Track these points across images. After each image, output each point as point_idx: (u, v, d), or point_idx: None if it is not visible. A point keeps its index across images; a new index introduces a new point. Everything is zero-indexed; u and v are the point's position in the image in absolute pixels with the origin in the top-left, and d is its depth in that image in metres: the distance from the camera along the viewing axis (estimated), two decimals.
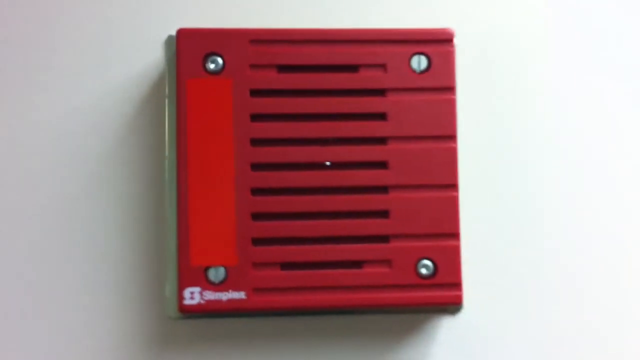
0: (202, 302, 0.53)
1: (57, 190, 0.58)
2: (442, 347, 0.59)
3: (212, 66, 0.55)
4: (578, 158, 0.62)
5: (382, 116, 0.56)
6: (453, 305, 0.57)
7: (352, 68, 0.56)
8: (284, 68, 0.56)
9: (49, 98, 0.59)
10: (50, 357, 0.57)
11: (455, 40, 0.57)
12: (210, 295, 0.53)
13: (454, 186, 0.56)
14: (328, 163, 0.55)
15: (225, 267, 0.54)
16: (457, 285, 0.55)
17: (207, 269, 0.54)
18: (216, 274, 0.54)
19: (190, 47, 0.55)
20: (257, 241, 0.54)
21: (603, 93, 0.62)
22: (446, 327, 0.60)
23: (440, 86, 0.57)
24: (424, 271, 0.55)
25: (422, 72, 0.57)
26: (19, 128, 0.58)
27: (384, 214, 0.55)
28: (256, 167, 0.55)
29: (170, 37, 0.56)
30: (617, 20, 0.63)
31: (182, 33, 0.55)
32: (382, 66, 0.56)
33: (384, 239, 0.55)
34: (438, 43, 0.57)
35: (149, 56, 0.60)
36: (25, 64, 0.59)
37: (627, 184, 0.62)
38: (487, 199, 0.61)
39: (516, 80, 0.62)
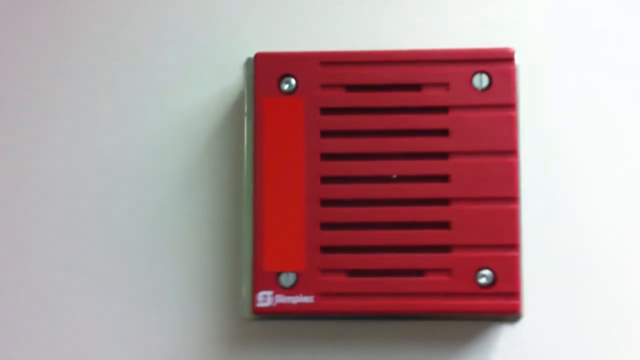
0: (273, 304, 0.57)
1: (146, 199, 0.64)
2: (501, 355, 0.61)
3: (286, 86, 0.60)
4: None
5: (444, 132, 0.59)
6: (511, 314, 0.59)
7: (416, 87, 0.59)
8: (351, 88, 0.60)
9: (139, 116, 0.65)
10: (132, 355, 0.62)
11: (519, 63, 0.59)
12: (282, 299, 0.58)
13: (514, 199, 0.58)
14: (394, 176, 0.59)
15: (296, 273, 0.58)
16: (515, 294, 0.58)
17: (279, 274, 0.58)
18: (287, 278, 0.58)
19: (266, 69, 0.59)
20: (325, 249, 0.58)
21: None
22: (506, 336, 0.62)
23: (501, 103, 0.59)
24: (483, 280, 0.58)
25: (484, 89, 0.59)
26: (112, 145, 0.64)
27: (445, 225, 0.58)
28: (325, 180, 0.59)
29: (249, 59, 0.61)
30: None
31: (259, 57, 0.60)
32: (445, 85, 0.59)
33: (445, 248, 0.58)
34: (499, 62, 0.59)
35: (230, 77, 0.64)
36: (114, 86, 0.65)
37: None
38: (550, 210, 0.62)
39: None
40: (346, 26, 0.64)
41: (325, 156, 0.59)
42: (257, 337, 0.61)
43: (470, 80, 0.59)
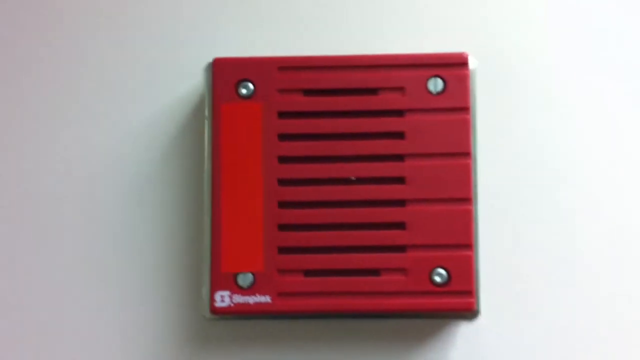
0: (231, 305, 0.59)
1: (107, 202, 0.65)
2: (460, 351, 0.63)
3: (244, 91, 0.61)
4: (589, 164, 0.64)
5: (400, 135, 0.61)
6: (467, 312, 0.60)
7: (372, 91, 0.61)
8: (309, 92, 0.61)
9: (101, 120, 0.66)
10: (94, 353, 0.63)
11: (477, 66, 0.61)
12: (239, 299, 0.59)
13: (468, 200, 0.60)
14: (353, 178, 0.60)
15: (253, 273, 0.59)
16: (470, 292, 0.59)
17: (236, 274, 0.59)
18: (244, 279, 0.59)
19: (224, 74, 0.61)
20: (282, 250, 0.60)
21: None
22: (464, 333, 0.63)
23: (455, 107, 0.61)
24: (438, 279, 0.59)
25: (439, 93, 0.61)
26: (72, 148, 0.65)
27: (401, 225, 0.60)
28: (283, 182, 0.60)
29: (209, 64, 0.62)
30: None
31: (217, 62, 0.61)
32: (401, 89, 0.61)
33: (400, 248, 0.60)
34: (453, 66, 0.61)
35: (192, 81, 0.66)
36: (75, 90, 0.66)
37: None
38: (506, 211, 0.64)
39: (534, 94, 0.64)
40: (304, 32, 0.65)
41: (283, 159, 0.60)
42: (217, 337, 0.63)
43: (426, 85, 0.61)
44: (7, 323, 0.63)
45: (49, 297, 0.64)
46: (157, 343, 0.63)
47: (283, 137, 0.60)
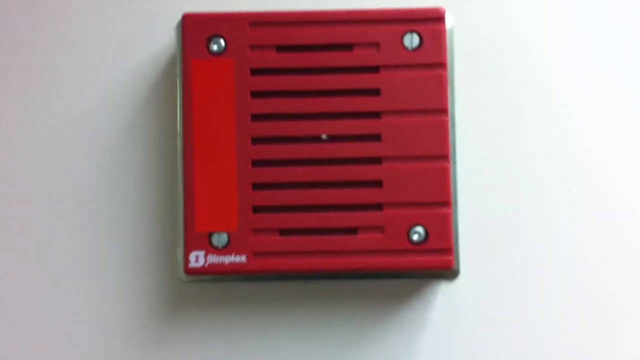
0: (206, 265, 0.58)
1: (80, 164, 0.63)
2: (439, 311, 0.62)
3: (215, 47, 0.59)
4: (569, 119, 0.64)
5: (375, 92, 0.60)
6: (445, 270, 0.59)
7: (347, 47, 0.60)
8: (282, 48, 0.60)
9: (73, 80, 0.64)
10: (71, 318, 0.62)
11: (454, 25, 0.60)
12: (214, 259, 0.58)
13: (445, 157, 0.59)
14: (324, 136, 0.59)
15: (228, 233, 0.58)
16: (448, 250, 0.59)
17: (210, 234, 0.58)
18: (219, 239, 0.58)
19: (194, 30, 0.59)
20: (257, 209, 0.59)
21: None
22: (443, 293, 0.62)
23: (431, 62, 0.60)
24: (415, 237, 0.59)
25: (414, 49, 0.60)
26: (45, 111, 0.64)
27: (377, 183, 0.59)
28: (256, 140, 0.59)
29: (180, 21, 0.61)
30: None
31: (186, 18, 0.60)
32: (376, 44, 0.60)
33: (377, 207, 0.59)
34: (429, 21, 0.60)
35: (163, 39, 0.64)
36: (46, 52, 0.64)
37: (626, 183, 0.63)
38: (485, 169, 0.63)
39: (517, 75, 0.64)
40: None
41: (256, 117, 0.59)
42: (192, 300, 0.62)
43: (401, 40, 0.60)
44: None
45: (25, 259, 0.62)
46: (132, 306, 0.62)
47: (256, 94, 0.59)
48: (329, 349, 0.61)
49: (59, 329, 0.62)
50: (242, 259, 0.58)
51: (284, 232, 0.58)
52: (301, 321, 0.62)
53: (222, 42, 0.59)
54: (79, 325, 0.62)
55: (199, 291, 0.62)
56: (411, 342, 0.62)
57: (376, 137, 0.59)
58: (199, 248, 0.58)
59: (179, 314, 0.62)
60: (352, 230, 0.58)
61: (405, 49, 0.60)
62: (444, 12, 0.60)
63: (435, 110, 0.59)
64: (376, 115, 0.59)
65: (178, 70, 0.60)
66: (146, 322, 0.62)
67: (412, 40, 0.60)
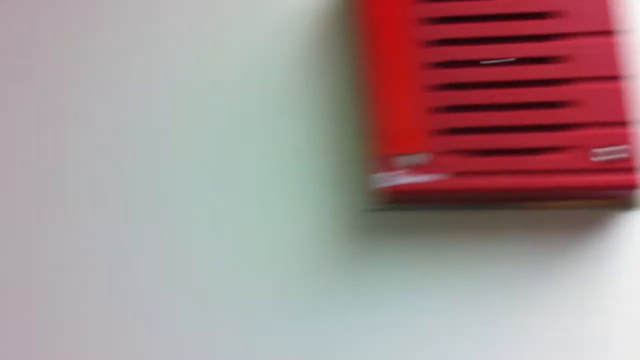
0: (402, 183, 0.60)
1: (266, 92, 0.65)
2: (621, 242, 0.63)
3: None
4: None
5: (560, 15, 0.60)
6: (628, 189, 0.60)
7: None
8: None
9: (249, 18, 0.66)
10: (259, 242, 0.65)
11: None
12: (408, 179, 0.60)
13: (628, 78, 0.59)
14: (512, 58, 0.60)
15: (420, 154, 0.60)
16: (631, 169, 0.59)
17: (402, 156, 0.60)
18: (412, 160, 0.60)
19: None
20: (447, 131, 0.60)
21: None
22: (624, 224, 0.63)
23: None
24: (600, 158, 0.59)
25: None
26: (225, 50, 0.66)
27: (562, 104, 0.60)
28: (445, 65, 0.60)
29: None
30: None
31: None
32: None
33: (563, 127, 0.60)
34: None
35: None
36: None
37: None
38: None
39: None
40: None
41: (442, 42, 0.60)
42: (377, 229, 0.64)
43: None
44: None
45: (226, 194, 0.65)
46: (319, 236, 0.64)
47: (438, 20, 0.60)
48: (510, 278, 0.63)
49: (257, 242, 0.64)
50: (436, 178, 0.59)
51: (472, 152, 0.60)
52: (483, 249, 0.63)
53: None
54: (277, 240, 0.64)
55: (382, 221, 0.64)
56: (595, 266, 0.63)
57: (561, 59, 0.60)
58: (391, 169, 0.60)
59: (363, 242, 0.64)
60: (540, 150, 0.60)
61: None
62: None
63: (618, 32, 0.60)
64: (561, 37, 0.60)
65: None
66: (331, 250, 0.64)
67: None
